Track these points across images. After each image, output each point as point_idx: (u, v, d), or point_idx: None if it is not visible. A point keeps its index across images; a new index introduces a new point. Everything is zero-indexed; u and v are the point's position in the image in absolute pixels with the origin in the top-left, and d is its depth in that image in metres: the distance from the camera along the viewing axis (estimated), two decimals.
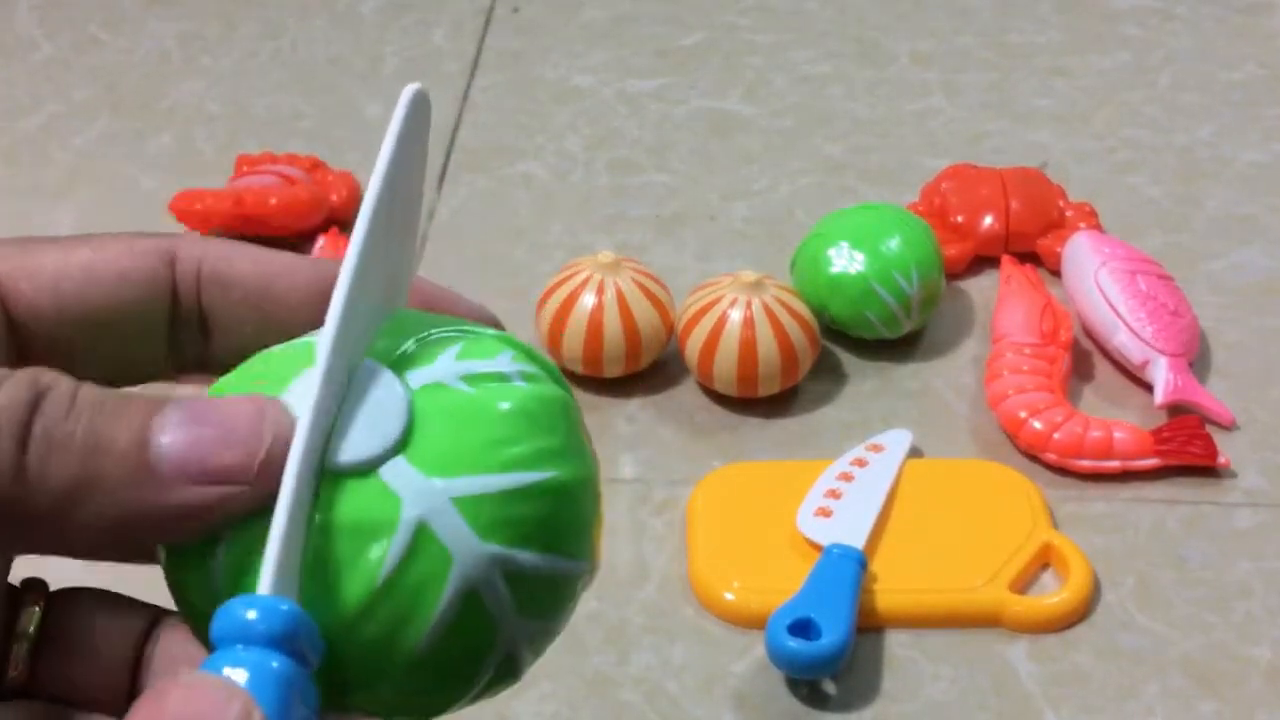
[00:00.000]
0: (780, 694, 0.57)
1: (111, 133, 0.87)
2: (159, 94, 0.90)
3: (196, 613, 0.26)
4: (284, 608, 0.24)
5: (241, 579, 0.25)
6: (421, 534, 0.25)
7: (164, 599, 0.28)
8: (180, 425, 0.25)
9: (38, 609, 0.29)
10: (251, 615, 0.23)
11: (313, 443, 0.25)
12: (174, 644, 0.29)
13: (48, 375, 0.25)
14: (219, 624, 0.24)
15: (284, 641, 0.23)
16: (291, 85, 0.91)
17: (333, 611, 0.25)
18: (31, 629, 0.29)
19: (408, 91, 0.27)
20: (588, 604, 0.61)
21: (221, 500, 0.25)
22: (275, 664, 0.23)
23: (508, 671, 0.28)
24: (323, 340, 0.26)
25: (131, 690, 0.29)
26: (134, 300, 0.29)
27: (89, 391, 0.25)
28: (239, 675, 0.23)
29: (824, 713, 0.57)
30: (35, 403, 0.24)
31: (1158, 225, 0.79)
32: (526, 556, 0.26)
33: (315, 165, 0.81)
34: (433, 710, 0.27)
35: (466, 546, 0.25)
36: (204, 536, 0.25)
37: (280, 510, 0.24)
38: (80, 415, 0.24)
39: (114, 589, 0.31)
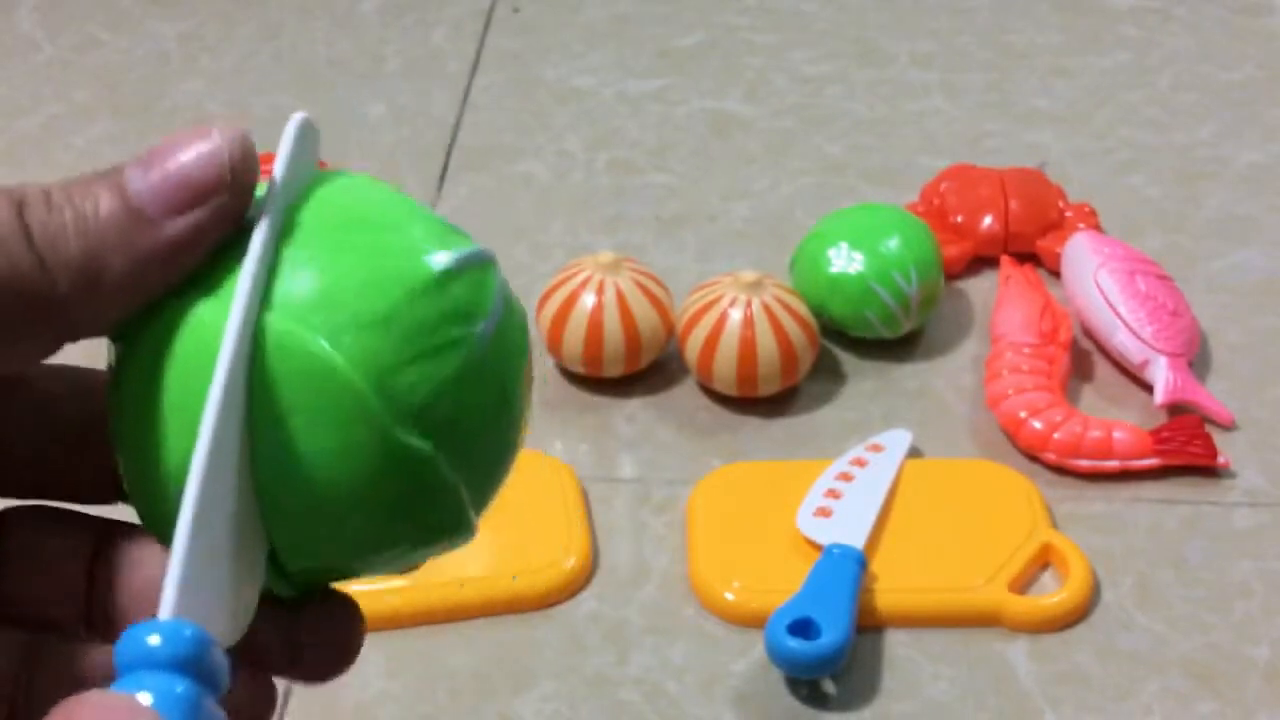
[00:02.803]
0: (780, 694, 0.58)
1: (111, 133, 0.87)
2: (159, 94, 0.90)
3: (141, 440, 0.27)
4: (187, 632, 0.24)
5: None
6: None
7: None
8: (145, 170, 0.27)
9: None
10: (154, 640, 0.24)
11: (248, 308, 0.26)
12: (127, 557, 0.29)
13: (14, 189, 0.26)
14: (122, 649, 0.24)
15: (188, 665, 0.24)
16: (291, 85, 0.91)
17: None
18: None
19: (295, 120, 0.28)
20: (588, 604, 0.61)
21: (209, 217, 0.26)
22: (180, 689, 0.23)
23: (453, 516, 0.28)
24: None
25: (88, 609, 0.29)
26: None
27: (55, 187, 0.27)
28: (144, 699, 0.23)
29: (824, 712, 0.57)
30: (19, 210, 0.26)
31: (1157, 225, 0.79)
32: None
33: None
34: (394, 556, 0.28)
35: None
36: (204, 255, 0.27)
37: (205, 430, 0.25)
38: (59, 204, 0.26)
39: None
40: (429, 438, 0.27)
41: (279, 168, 0.28)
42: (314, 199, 0.28)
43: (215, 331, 0.26)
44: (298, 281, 0.27)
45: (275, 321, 0.26)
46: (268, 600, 0.28)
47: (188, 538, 0.25)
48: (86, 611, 0.29)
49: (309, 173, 0.29)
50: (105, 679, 0.24)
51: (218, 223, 0.27)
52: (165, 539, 0.27)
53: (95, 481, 0.30)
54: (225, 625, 0.26)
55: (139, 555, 0.29)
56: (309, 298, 0.26)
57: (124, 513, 0.29)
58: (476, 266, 0.28)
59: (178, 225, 0.26)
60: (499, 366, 0.28)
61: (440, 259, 0.27)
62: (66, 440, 0.30)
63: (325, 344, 0.26)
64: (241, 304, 0.26)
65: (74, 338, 0.27)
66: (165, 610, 0.24)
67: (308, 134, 0.28)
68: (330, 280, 0.27)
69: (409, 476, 0.27)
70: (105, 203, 0.26)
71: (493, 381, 0.28)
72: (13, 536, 0.30)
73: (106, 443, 0.28)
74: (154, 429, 0.27)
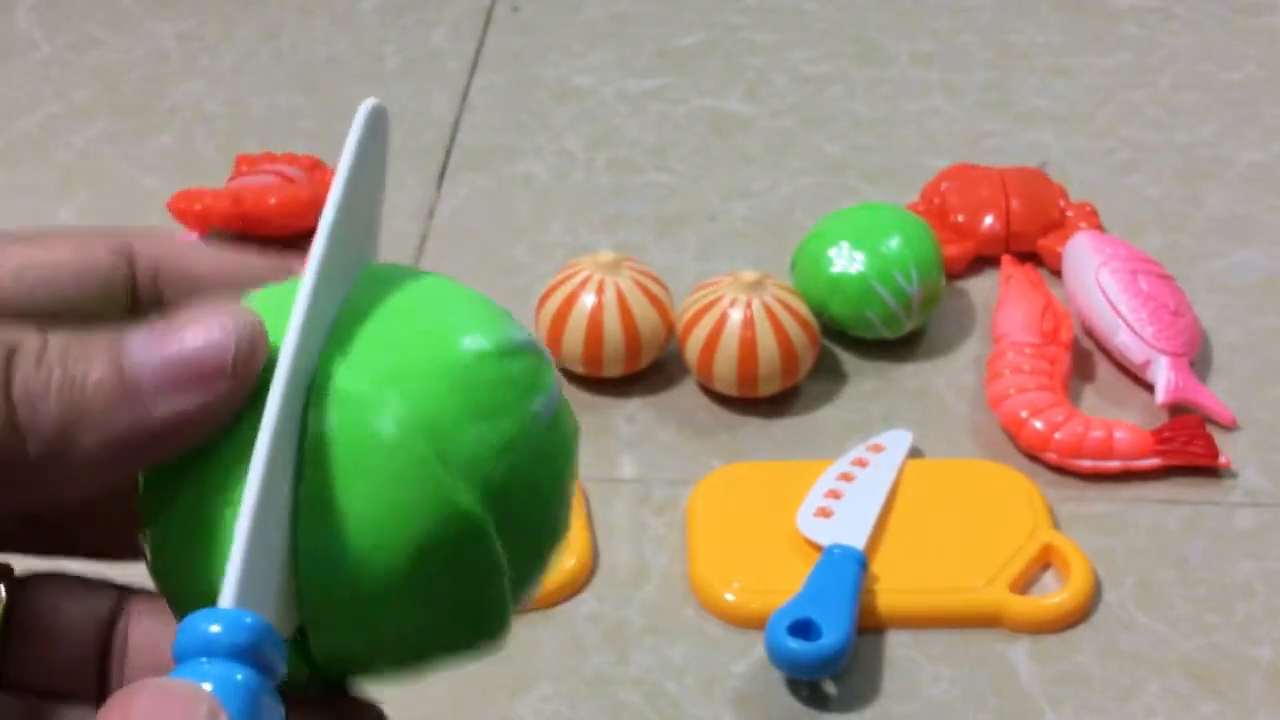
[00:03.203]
0: (780, 694, 0.57)
1: (111, 133, 0.87)
2: (159, 94, 0.90)
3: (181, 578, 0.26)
4: (248, 620, 0.24)
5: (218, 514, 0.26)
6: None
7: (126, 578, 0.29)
8: (147, 342, 0.26)
9: (3, 591, 0.29)
10: (215, 629, 0.23)
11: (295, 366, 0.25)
12: (143, 626, 0.29)
13: (11, 332, 0.25)
14: (181, 639, 0.24)
15: (248, 654, 0.24)
16: (291, 85, 0.91)
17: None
18: None
19: (365, 106, 0.27)
20: (588, 604, 0.61)
21: (205, 403, 0.25)
22: (240, 676, 0.23)
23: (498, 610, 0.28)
24: (308, 270, 0.26)
25: (101, 677, 0.29)
26: (94, 299, 0.29)
27: (54, 338, 0.26)
28: (205, 686, 0.23)
29: (824, 713, 0.57)
30: (8, 358, 0.25)
31: (1158, 225, 0.79)
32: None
33: (315, 165, 0.81)
34: (425, 652, 0.28)
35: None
36: (193, 445, 0.26)
37: (256, 464, 0.25)
38: (52, 360, 0.25)
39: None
40: (480, 502, 0.26)
41: (348, 154, 0.27)
42: (362, 289, 0.27)
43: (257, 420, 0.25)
44: (351, 344, 0.26)
45: (334, 378, 0.26)
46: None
47: (250, 526, 0.24)
48: (99, 682, 0.29)
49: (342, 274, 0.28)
50: None
51: (208, 412, 0.26)
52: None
53: (117, 540, 0.29)
54: (283, 613, 0.26)
55: (152, 630, 0.29)
56: (360, 357, 0.26)
57: (142, 573, 0.29)
58: (536, 353, 0.28)
59: (168, 408, 0.25)
60: (553, 452, 0.28)
61: (502, 333, 0.27)
62: (89, 499, 0.29)
63: (378, 394, 0.26)
64: (290, 350, 0.25)
65: (43, 501, 0.26)
66: (226, 599, 0.24)
67: (376, 125, 0.28)
68: (385, 339, 0.26)
69: (458, 542, 0.26)
70: (97, 370, 0.25)
71: (546, 464, 0.27)
72: (29, 604, 0.29)
73: (128, 505, 0.28)
74: (191, 556, 0.26)
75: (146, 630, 0.29)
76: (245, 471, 0.25)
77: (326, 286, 0.26)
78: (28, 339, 0.25)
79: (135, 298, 0.30)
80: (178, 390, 0.25)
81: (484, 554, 0.27)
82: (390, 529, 0.26)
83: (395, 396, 0.26)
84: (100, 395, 0.25)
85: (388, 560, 0.26)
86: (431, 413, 0.26)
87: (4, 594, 0.29)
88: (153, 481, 0.27)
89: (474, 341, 0.27)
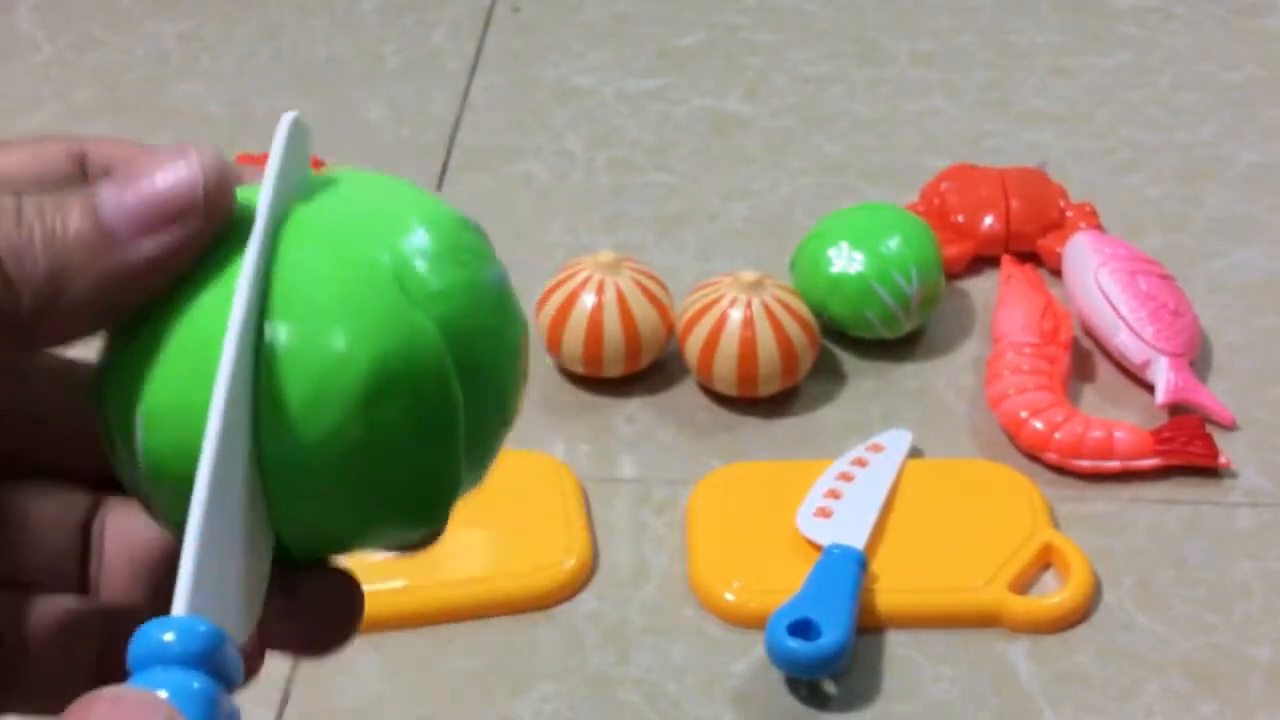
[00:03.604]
0: (780, 694, 0.57)
1: (111, 133, 0.87)
2: (159, 94, 0.90)
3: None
4: (201, 628, 0.24)
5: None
6: None
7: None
8: (119, 190, 0.26)
9: None
10: (169, 637, 0.24)
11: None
12: (120, 519, 0.30)
13: None
14: (136, 647, 0.24)
15: (203, 661, 0.24)
16: (291, 85, 0.91)
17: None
18: None
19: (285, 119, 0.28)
20: (588, 604, 0.61)
21: (180, 240, 0.26)
22: (196, 684, 0.23)
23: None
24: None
25: (81, 571, 0.30)
26: None
27: (28, 200, 0.26)
28: (160, 695, 0.23)
29: (824, 713, 0.57)
30: None
31: (1158, 225, 0.79)
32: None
33: (314, 165, 0.81)
34: (376, 517, 0.28)
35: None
36: (173, 279, 0.27)
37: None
38: (30, 217, 0.26)
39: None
40: (440, 333, 0.27)
41: (271, 167, 0.27)
42: (313, 198, 0.28)
43: (219, 306, 0.26)
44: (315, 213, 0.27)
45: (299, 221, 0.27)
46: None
47: (199, 534, 0.25)
48: (80, 576, 0.30)
49: (304, 173, 0.29)
50: (89, 624, 0.24)
51: (187, 246, 0.26)
52: (171, 524, 0.27)
53: (84, 455, 0.30)
54: (237, 619, 0.26)
55: (129, 523, 0.29)
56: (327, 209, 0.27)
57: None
58: (485, 236, 0.29)
59: (146, 247, 0.26)
60: (505, 322, 0.28)
61: (460, 211, 0.29)
62: (58, 409, 0.30)
63: (346, 227, 0.27)
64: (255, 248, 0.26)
65: (32, 349, 0.27)
66: (178, 606, 0.24)
67: (298, 135, 0.28)
68: (340, 214, 0.27)
69: (418, 375, 0.26)
70: (75, 220, 0.26)
71: (500, 329, 0.28)
72: (7, 505, 0.30)
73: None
74: (153, 418, 0.26)
75: (124, 522, 0.29)
76: (220, 297, 0.26)
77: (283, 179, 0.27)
78: (3, 200, 0.26)
79: None
80: (154, 230, 0.26)
81: (443, 397, 0.27)
82: (352, 346, 0.26)
83: (363, 228, 0.27)
84: (82, 244, 0.26)
85: (348, 390, 0.26)
86: (395, 245, 0.27)
87: None
88: (118, 335, 0.27)
89: (437, 205, 0.28)
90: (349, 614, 0.29)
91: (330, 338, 0.26)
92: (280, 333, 0.26)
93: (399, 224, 0.27)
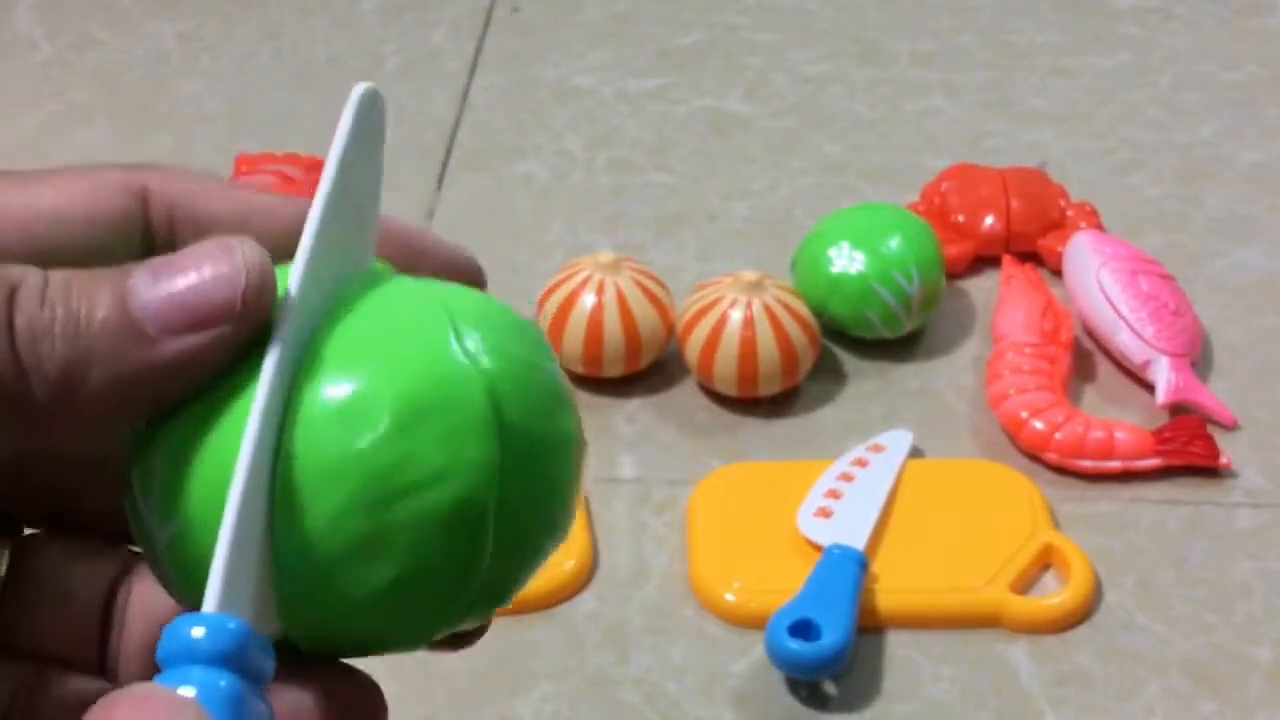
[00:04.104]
0: (780, 694, 0.57)
1: (111, 133, 0.87)
2: (158, 94, 0.90)
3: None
4: (231, 625, 0.23)
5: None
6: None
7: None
8: (153, 281, 0.25)
9: (7, 551, 0.29)
10: (198, 633, 0.23)
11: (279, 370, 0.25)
12: (145, 595, 0.29)
13: (13, 271, 0.25)
14: (165, 643, 0.23)
15: (232, 659, 0.23)
16: (291, 85, 0.91)
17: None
18: (1, 570, 0.29)
19: (358, 90, 0.27)
20: (588, 604, 0.61)
21: (213, 342, 0.25)
22: (223, 683, 0.23)
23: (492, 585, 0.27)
24: (301, 243, 0.26)
25: (102, 645, 0.29)
26: (106, 242, 0.28)
27: (57, 276, 0.25)
28: (187, 693, 0.23)
29: (824, 713, 0.57)
30: (9, 297, 0.24)
31: (1158, 225, 0.79)
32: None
33: (315, 165, 0.81)
34: (418, 629, 0.27)
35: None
36: (198, 383, 0.25)
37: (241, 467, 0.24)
38: (55, 299, 0.24)
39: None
40: (487, 391, 0.25)
41: (335, 149, 0.26)
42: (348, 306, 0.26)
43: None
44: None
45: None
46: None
47: (232, 531, 0.24)
48: (100, 650, 0.29)
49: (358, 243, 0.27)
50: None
51: (219, 349, 0.25)
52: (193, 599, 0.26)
53: (114, 515, 0.29)
54: (268, 617, 0.25)
55: (154, 597, 0.28)
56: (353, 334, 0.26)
57: None
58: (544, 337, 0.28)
59: (175, 347, 0.25)
60: (563, 421, 0.27)
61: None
62: (83, 473, 0.29)
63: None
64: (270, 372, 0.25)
65: (46, 441, 0.25)
66: (210, 603, 0.24)
67: (371, 109, 0.27)
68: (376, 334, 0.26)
69: (449, 403, 0.25)
70: (103, 309, 0.24)
71: (559, 411, 0.27)
72: (34, 564, 0.29)
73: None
74: (175, 525, 0.26)
75: (148, 599, 0.28)
76: (243, 405, 0.24)
77: (318, 268, 0.26)
78: (29, 276, 0.25)
79: (149, 238, 0.29)
80: (184, 328, 0.25)
81: (476, 458, 0.25)
82: (377, 384, 0.25)
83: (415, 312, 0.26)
84: (105, 334, 0.24)
85: (369, 432, 0.25)
86: (453, 311, 0.26)
87: (8, 550, 0.29)
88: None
89: (494, 301, 0.27)
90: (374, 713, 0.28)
91: (350, 390, 0.25)
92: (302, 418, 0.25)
93: (457, 301, 0.26)
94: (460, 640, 0.28)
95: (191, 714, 0.22)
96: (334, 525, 0.25)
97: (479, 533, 0.26)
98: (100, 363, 0.24)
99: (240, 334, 0.25)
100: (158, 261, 0.25)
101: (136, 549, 0.29)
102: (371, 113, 0.27)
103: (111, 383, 0.24)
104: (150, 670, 0.24)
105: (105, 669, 0.29)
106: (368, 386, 0.25)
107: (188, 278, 0.25)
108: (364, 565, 0.25)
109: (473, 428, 0.25)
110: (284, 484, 0.25)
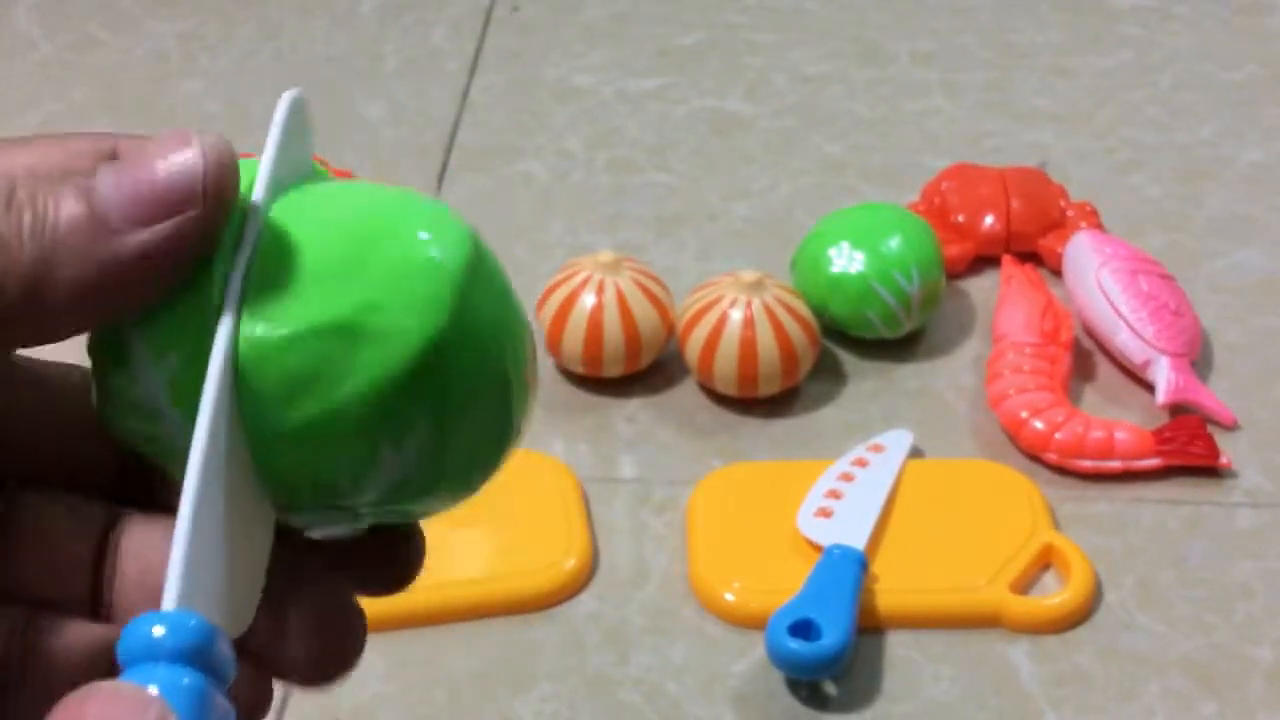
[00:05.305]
0: (780, 694, 0.57)
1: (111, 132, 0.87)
2: (158, 94, 0.90)
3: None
4: (192, 623, 0.23)
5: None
6: None
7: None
8: (114, 174, 0.25)
9: None
10: (159, 632, 0.23)
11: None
12: (136, 537, 0.29)
13: None
14: (126, 642, 0.23)
15: (194, 656, 0.23)
16: (290, 85, 0.90)
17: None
18: None
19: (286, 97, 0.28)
20: (588, 604, 0.61)
21: (177, 232, 0.25)
22: (186, 680, 0.23)
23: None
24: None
25: (94, 589, 0.29)
26: None
27: (21, 182, 0.25)
28: (151, 691, 0.23)
29: (824, 713, 0.57)
30: None
31: (1158, 225, 0.79)
32: None
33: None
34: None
35: None
36: (172, 281, 0.25)
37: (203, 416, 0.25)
38: (22, 202, 0.25)
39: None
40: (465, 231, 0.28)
41: (268, 153, 0.27)
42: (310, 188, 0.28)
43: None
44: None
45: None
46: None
47: (189, 527, 0.24)
48: (92, 595, 0.29)
49: (304, 163, 0.29)
50: (105, 656, 0.23)
51: (185, 239, 0.25)
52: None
53: (99, 471, 0.29)
54: (229, 614, 0.25)
55: (146, 541, 0.28)
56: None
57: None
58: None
59: (139, 239, 0.25)
60: (512, 308, 0.29)
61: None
62: (69, 427, 0.29)
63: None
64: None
65: (17, 346, 0.26)
66: (169, 601, 0.24)
67: (297, 116, 0.29)
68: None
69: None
70: (68, 206, 0.25)
71: (506, 303, 0.29)
72: (23, 517, 0.29)
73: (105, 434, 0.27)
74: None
75: (140, 540, 0.28)
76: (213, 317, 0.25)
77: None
78: None
79: None
80: (149, 219, 0.25)
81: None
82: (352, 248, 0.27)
83: (368, 212, 0.29)
84: (72, 231, 0.25)
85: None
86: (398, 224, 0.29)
87: None
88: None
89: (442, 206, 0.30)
90: (351, 630, 0.28)
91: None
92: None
93: (406, 209, 0.28)
94: (395, 570, 0.29)
95: (157, 711, 0.22)
96: (293, 377, 0.26)
97: (441, 370, 0.27)
98: (68, 260, 0.25)
99: (206, 222, 0.25)
100: (120, 154, 0.26)
101: (121, 504, 0.29)
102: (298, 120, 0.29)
103: (80, 280, 0.25)
104: (149, 606, 0.24)
105: (98, 615, 0.29)
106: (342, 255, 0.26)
107: (149, 168, 0.25)
108: (314, 398, 0.26)
109: (449, 283, 0.28)
110: (244, 369, 0.25)
